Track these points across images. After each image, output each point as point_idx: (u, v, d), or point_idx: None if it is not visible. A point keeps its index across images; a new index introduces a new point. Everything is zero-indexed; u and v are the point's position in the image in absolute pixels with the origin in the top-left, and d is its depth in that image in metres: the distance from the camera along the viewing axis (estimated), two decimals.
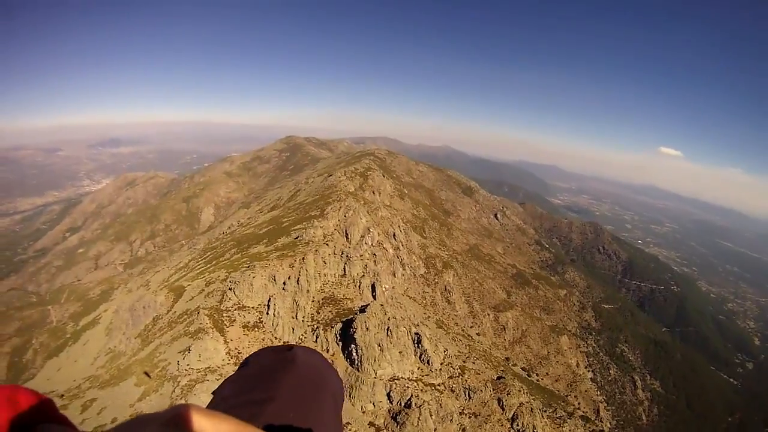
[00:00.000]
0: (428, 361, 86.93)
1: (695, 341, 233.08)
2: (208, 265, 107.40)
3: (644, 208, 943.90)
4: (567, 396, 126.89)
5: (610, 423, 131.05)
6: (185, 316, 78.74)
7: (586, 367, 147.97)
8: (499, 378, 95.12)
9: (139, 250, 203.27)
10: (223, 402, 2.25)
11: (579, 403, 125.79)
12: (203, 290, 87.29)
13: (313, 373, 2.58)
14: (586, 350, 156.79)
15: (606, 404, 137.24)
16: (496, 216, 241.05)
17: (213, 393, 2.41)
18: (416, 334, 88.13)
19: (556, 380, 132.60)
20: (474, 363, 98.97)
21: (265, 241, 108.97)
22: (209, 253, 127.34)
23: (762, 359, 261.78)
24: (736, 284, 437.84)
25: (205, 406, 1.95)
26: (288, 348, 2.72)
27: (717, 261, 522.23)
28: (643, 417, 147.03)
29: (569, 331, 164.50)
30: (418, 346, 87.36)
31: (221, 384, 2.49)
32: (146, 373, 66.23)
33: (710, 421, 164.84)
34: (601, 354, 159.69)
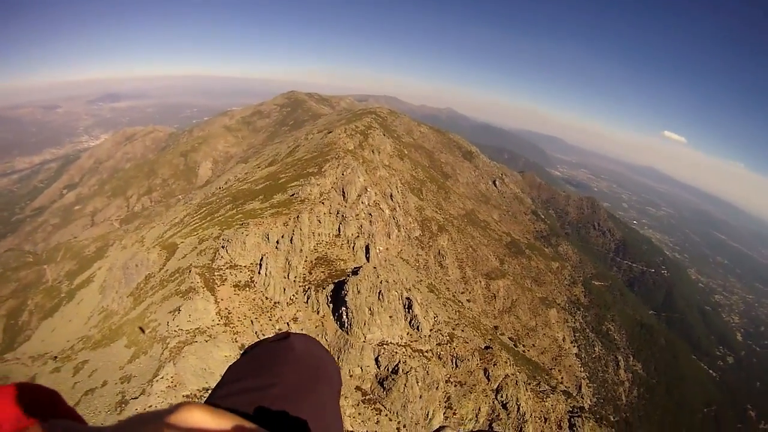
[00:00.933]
0: (418, 326, 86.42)
1: (680, 328, 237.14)
2: (203, 222, 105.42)
3: (642, 190, 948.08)
4: (551, 369, 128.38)
5: (590, 400, 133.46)
6: (177, 275, 77.18)
7: (571, 342, 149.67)
8: (486, 348, 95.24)
9: (135, 206, 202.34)
10: (225, 389, 2.34)
11: (562, 378, 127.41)
12: (196, 248, 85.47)
13: (310, 360, 2.68)
14: (573, 325, 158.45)
15: (588, 381, 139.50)
16: (494, 183, 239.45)
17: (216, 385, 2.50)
18: (407, 298, 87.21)
19: (542, 353, 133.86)
20: (463, 331, 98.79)
21: (260, 197, 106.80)
22: (204, 208, 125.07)
23: (743, 355, 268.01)
24: (725, 277, 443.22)
25: (210, 392, 2.38)
26: (285, 336, 2.81)
27: (709, 251, 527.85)
28: (623, 397, 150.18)
29: (558, 304, 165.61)
30: (409, 311, 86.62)
31: (225, 372, 2.56)
32: (141, 329, 65.51)
33: (687, 409, 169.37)
34: (587, 330, 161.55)
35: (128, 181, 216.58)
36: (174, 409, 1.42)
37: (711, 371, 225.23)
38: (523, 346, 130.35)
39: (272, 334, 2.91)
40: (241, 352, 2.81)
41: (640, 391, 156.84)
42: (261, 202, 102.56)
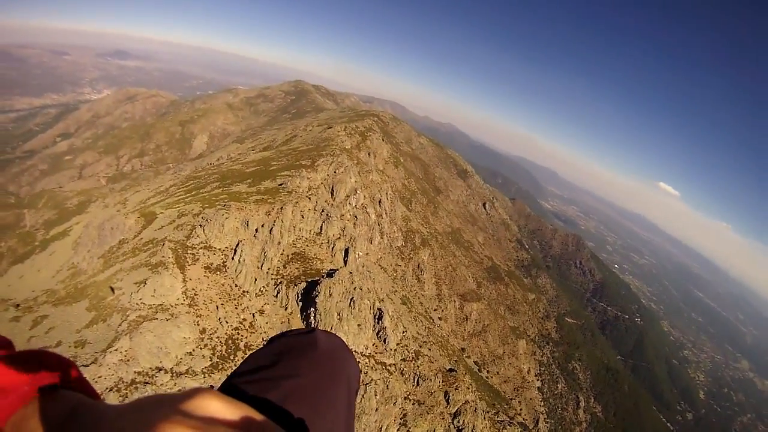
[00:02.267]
0: (385, 339, 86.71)
1: (645, 377, 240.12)
2: (187, 195, 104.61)
3: (629, 235, 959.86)
4: (512, 399, 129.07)
5: None
6: (150, 245, 76.21)
7: (536, 376, 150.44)
8: (450, 370, 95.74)
9: (125, 166, 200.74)
10: (243, 377, 2.42)
11: (521, 410, 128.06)
12: (174, 221, 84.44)
13: (331, 357, 2.73)
14: (540, 359, 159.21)
15: (546, 416, 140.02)
16: (484, 205, 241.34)
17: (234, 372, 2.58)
18: (379, 309, 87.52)
19: (505, 381, 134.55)
20: (430, 349, 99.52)
21: (249, 180, 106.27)
22: (191, 182, 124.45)
23: (703, 413, 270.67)
24: (697, 334, 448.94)
25: (227, 377, 2.47)
26: (310, 330, 2.90)
27: (685, 306, 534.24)
28: None
29: (528, 336, 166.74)
30: (378, 322, 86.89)
31: (245, 358, 2.65)
32: (111, 288, 64.75)
33: None
34: (553, 366, 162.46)
35: (122, 141, 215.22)
36: (190, 394, 1.43)
37: (669, 425, 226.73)
38: (487, 372, 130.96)
39: (297, 328, 2.97)
40: (266, 341, 2.87)
41: None
42: (248, 186, 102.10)
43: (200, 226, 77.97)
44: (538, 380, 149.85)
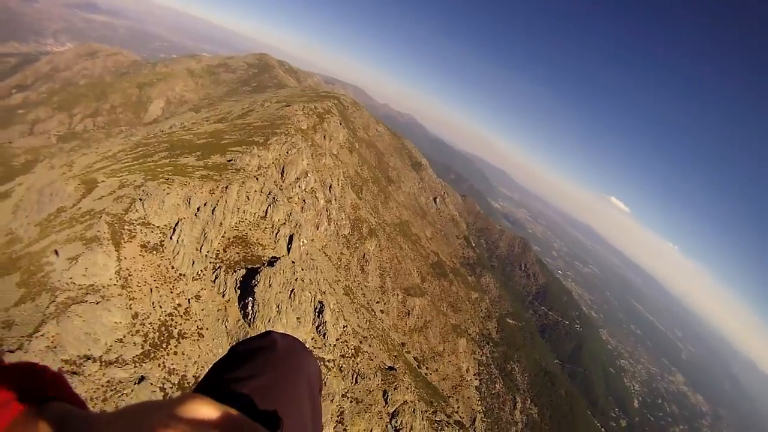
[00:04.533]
0: (325, 334, 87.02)
1: (581, 383, 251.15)
2: (133, 163, 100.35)
3: (575, 243, 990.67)
4: (449, 397, 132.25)
5: None
6: (87, 217, 72.54)
7: (474, 375, 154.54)
8: (390, 368, 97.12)
9: (77, 126, 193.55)
10: (208, 383, 2.67)
11: (459, 408, 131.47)
12: (114, 192, 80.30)
13: (289, 356, 2.99)
14: (479, 358, 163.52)
15: (483, 416, 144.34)
16: (435, 200, 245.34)
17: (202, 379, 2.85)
18: (320, 302, 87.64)
19: (444, 379, 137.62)
20: (370, 345, 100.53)
21: (198, 153, 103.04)
22: (140, 149, 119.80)
23: (636, 421, 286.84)
24: (634, 345, 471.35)
25: (193, 389, 2.60)
26: (267, 333, 3.17)
27: (624, 317, 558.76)
28: None
29: (469, 334, 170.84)
30: (319, 316, 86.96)
31: (210, 367, 2.87)
32: (56, 252, 61.96)
33: None
34: (492, 366, 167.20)
35: (77, 98, 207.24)
36: (178, 399, 1.53)
37: (603, 430, 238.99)
38: (427, 368, 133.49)
39: (254, 335, 3.27)
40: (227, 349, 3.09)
41: None
42: (196, 159, 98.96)
43: (140, 200, 74.56)
44: (476, 379, 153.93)
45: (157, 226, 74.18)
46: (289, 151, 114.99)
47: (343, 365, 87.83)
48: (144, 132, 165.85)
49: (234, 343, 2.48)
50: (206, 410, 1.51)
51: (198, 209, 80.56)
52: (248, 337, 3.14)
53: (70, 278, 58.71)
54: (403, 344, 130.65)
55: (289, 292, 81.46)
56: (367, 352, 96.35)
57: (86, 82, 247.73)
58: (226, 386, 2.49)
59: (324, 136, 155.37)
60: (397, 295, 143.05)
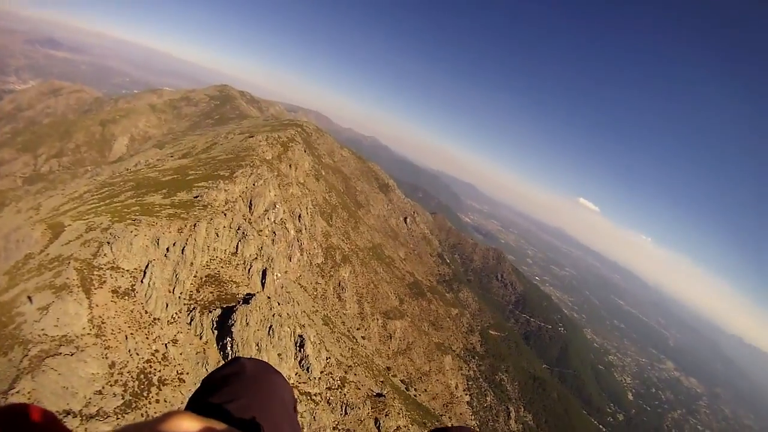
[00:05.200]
0: (308, 368, 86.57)
1: (572, 384, 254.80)
2: (100, 204, 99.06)
3: (549, 248, 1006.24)
4: (442, 416, 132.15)
5: None
6: (56, 263, 71.18)
7: (464, 390, 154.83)
8: (378, 395, 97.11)
9: (43, 166, 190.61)
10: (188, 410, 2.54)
11: (452, 425, 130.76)
12: (82, 236, 79.01)
13: (260, 378, 3.07)
14: (467, 373, 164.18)
15: (479, 430, 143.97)
16: (405, 220, 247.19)
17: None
18: (300, 336, 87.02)
19: (434, 398, 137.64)
20: (356, 374, 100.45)
21: (164, 191, 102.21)
22: (106, 189, 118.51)
23: (633, 413, 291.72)
24: (620, 340, 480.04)
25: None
26: (235, 360, 3.21)
27: (606, 314, 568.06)
28: None
29: (454, 351, 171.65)
30: (300, 350, 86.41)
31: (187, 401, 2.87)
32: (29, 298, 60.88)
33: None
34: (480, 380, 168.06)
35: (42, 138, 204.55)
36: (162, 418, 1.58)
37: (601, 426, 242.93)
38: (415, 390, 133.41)
39: (221, 364, 3.46)
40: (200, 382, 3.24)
41: None
42: (163, 197, 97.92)
43: (108, 243, 73.86)
44: (466, 394, 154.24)
45: (127, 270, 72.94)
46: (256, 183, 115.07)
47: (331, 397, 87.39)
48: (109, 171, 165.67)
49: (205, 378, 2.85)
50: (190, 424, 1.57)
51: (167, 250, 79.45)
52: (215, 368, 3.19)
53: (42, 329, 57.39)
54: (388, 368, 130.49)
55: (268, 329, 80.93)
56: (353, 381, 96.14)
57: (50, 120, 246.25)
58: (204, 413, 2.38)
59: (289, 165, 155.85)
60: (377, 319, 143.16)
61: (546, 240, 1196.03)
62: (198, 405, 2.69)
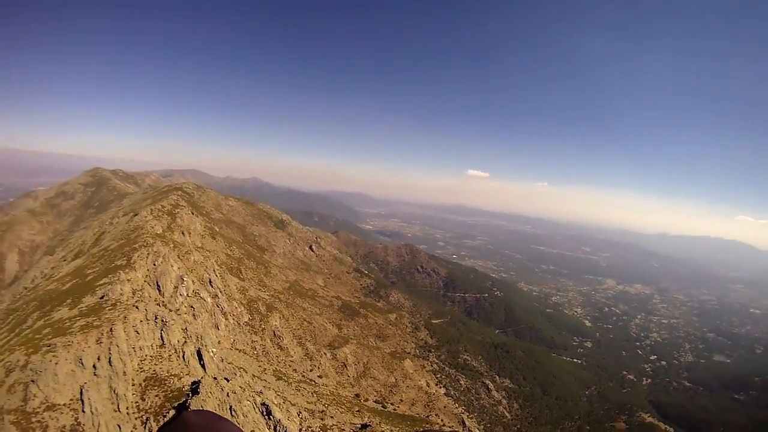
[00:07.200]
0: (285, 431, 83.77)
1: (530, 336, 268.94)
2: (10, 337, 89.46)
3: (454, 226, 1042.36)
4: (428, 417, 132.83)
5: (478, 429, 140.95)
6: None
7: (437, 385, 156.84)
8: (364, 426, 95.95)
9: None
10: None
11: (442, 420, 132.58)
12: (3, 382, 71.62)
13: (206, 427, 2.81)
14: (431, 368, 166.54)
15: (468, 413, 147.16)
16: (311, 248, 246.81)
17: None
18: (263, 404, 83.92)
19: (413, 404, 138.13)
20: (332, 416, 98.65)
21: (69, 301, 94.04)
22: (12, 317, 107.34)
23: (597, 337, 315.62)
24: (555, 280, 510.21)
25: None
26: (178, 415, 3.06)
27: (532, 264, 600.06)
28: (507, 414, 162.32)
29: (409, 353, 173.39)
30: (270, 418, 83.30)
31: None
32: None
33: (569, 400, 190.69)
34: (446, 368, 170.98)
35: None
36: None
37: (576, 360, 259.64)
38: (392, 404, 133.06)
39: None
40: None
41: (520, 401, 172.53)
42: (69, 309, 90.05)
43: (33, 381, 66.86)
44: (441, 387, 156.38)
45: (64, 404, 66.00)
46: (156, 263, 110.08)
47: None
48: (9, 295, 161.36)
49: None
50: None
51: (94, 367, 72.71)
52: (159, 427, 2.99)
53: None
54: (357, 395, 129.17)
55: (229, 411, 77.29)
56: (334, 424, 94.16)
57: None
58: None
59: (182, 233, 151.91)
60: (325, 354, 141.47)
61: (449, 219, 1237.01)
62: None
